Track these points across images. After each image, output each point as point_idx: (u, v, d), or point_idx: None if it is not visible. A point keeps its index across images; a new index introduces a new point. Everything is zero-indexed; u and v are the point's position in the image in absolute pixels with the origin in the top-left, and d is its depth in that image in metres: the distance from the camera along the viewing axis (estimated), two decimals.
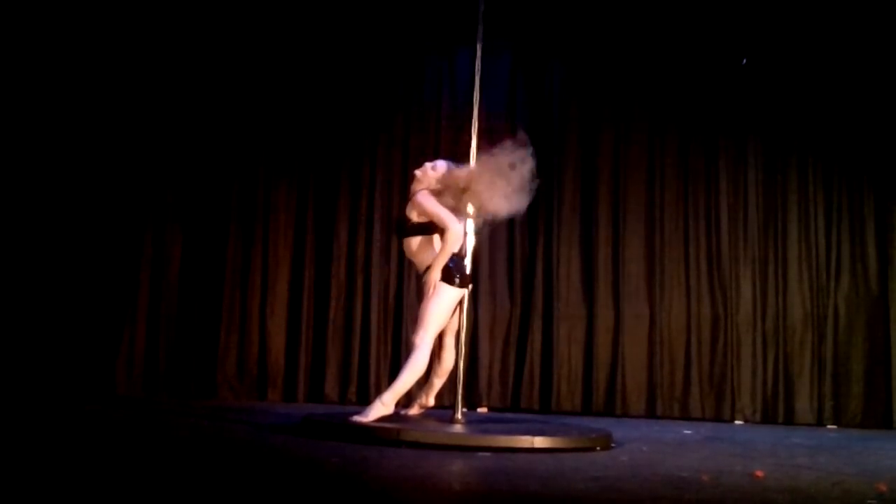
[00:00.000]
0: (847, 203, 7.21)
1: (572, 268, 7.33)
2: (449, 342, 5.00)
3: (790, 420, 6.93)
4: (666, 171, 7.37)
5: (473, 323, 7.07)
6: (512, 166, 4.84)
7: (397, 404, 4.79)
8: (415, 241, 4.94)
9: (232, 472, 3.39)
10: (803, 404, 6.97)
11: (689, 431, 5.91)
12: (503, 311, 7.32)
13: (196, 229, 7.32)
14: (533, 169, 4.91)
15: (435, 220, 4.83)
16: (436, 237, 4.90)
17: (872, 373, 6.95)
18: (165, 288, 7.22)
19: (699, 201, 7.34)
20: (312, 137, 7.44)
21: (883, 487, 3.47)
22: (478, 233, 5.08)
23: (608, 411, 7.00)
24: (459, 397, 4.85)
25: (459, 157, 5.14)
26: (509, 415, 6.68)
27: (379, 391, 4.94)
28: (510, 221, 7.35)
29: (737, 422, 6.92)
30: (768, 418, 6.97)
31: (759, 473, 3.74)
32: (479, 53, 5.16)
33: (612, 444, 4.71)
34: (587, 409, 7.04)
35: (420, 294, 5.04)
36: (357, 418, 4.60)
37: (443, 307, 4.79)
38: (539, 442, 4.36)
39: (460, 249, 4.89)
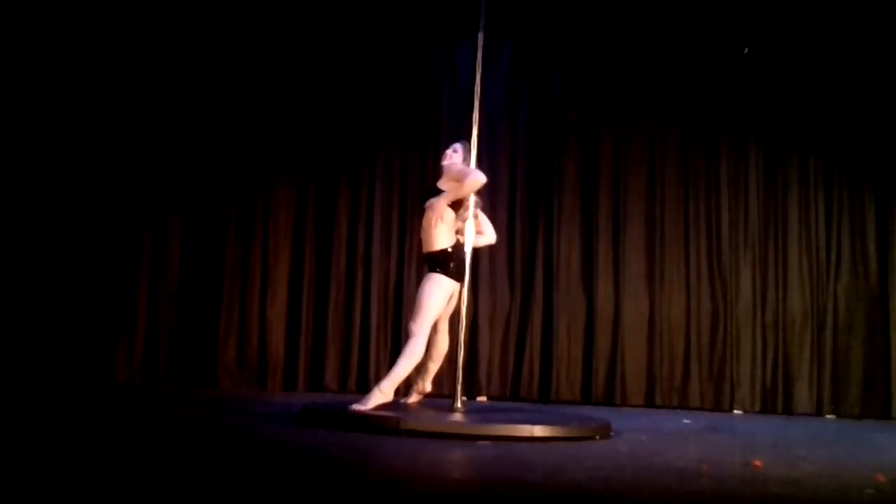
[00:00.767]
0: (847, 198, 7.21)
1: (572, 259, 7.33)
2: (443, 327, 5.02)
3: (789, 410, 6.95)
4: (667, 164, 7.36)
5: (473, 314, 7.07)
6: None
7: (396, 392, 4.80)
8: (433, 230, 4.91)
9: (232, 461, 3.40)
10: (802, 395, 6.98)
11: (688, 421, 5.92)
12: (503, 302, 7.32)
13: (196, 219, 7.32)
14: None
15: (459, 176, 4.83)
16: (448, 227, 4.89)
17: (871, 364, 6.95)
18: (165, 277, 7.22)
19: (700, 195, 7.33)
20: (313, 130, 7.44)
21: (881, 478, 3.48)
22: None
23: (608, 401, 7.01)
24: (459, 387, 4.86)
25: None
26: (509, 404, 6.69)
27: (378, 381, 4.95)
28: (511, 213, 7.39)
29: (736, 412, 6.93)
30: (767, 409, 6.98)
31: (758, 463, 3.75)
32: (480, 43, 5.14)
33: (612, 434, 4.72)
34: (587, 399, 7.06)
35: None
36: (356, 407, 4.61)
37: (438, 296, 4.80)
38: (538, 431, 4.37)
39: (460, 243, 4.88)
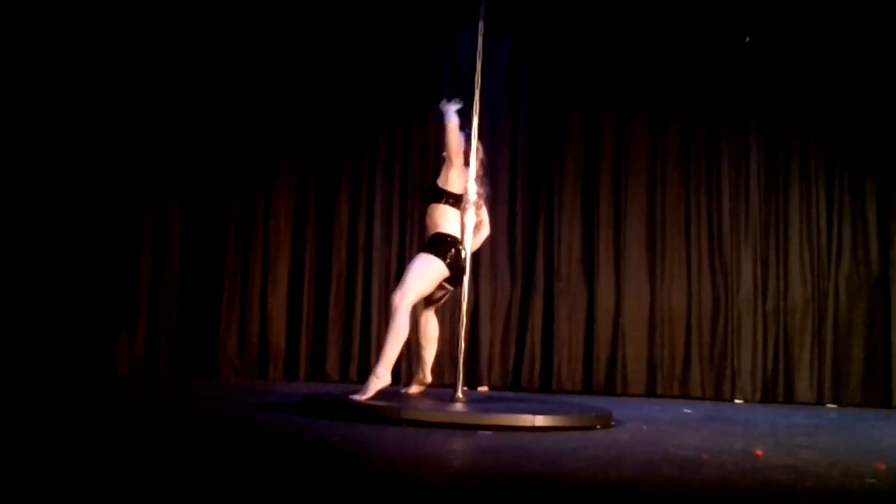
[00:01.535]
0: (848, 184, 7.19)
1: (573, 248, 7.33)
2: (430, 313, 5.04)
3: (790, 399, 6.95)
4: (668, 152, 7.35)
5: (474, 303, 7.08)
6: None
7: (398, 381, 4.80)
8: (438, 211, 4.89)
9: (232, 451, 3.40)
10: (803, 384, 6.99)
11: (689, 410, 5.93)
12: (504, 290, 7.32)
13: (197, 210, 7.31)
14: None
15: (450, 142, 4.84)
16: (457, 214, 4.87)
17: (872, 353, 6.96)
18: (166, 267, 7.21)
19: (701, 185, 7.32)
20: (313, 120, 7.42)
21: (882, 466, 3.48)
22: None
23: (608, 390, 7.02)
24: (460, 376, 4.86)
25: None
26: (510, 394, 6.70)
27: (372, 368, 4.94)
28: (512, 203, 7.38)
29: (737, 401, 6.94)
30: (768, 398, 6.99)
31: (759, 452, 3.75)
32: (480, 31, 5.12)
33: (613, 423, 4.72)
34: (588, 389, 7.07)
35: None
36: (356, 397, 4.61)
37: (426, 276, 4.76)
38: (540, 420, 4.37)
39: (461, 240, 4.85)
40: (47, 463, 2.91)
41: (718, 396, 7.00)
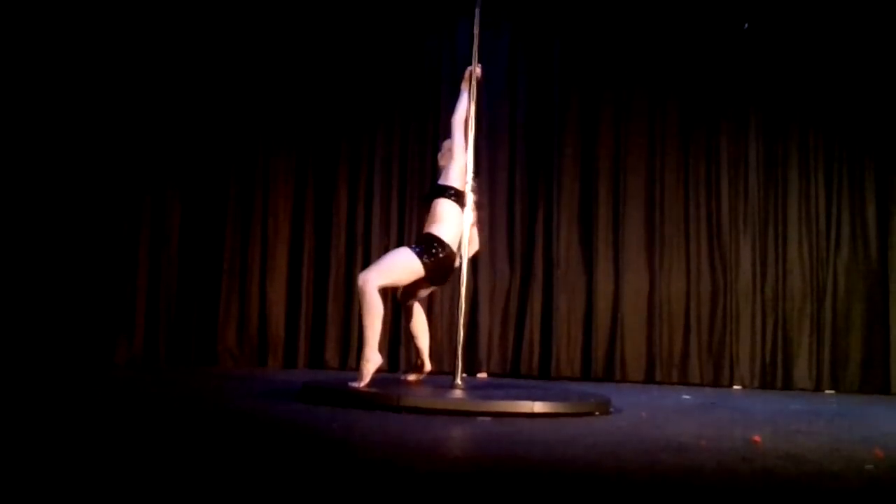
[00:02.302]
0: (847, 173, 7.20)
1: (572, 236, 7.32)
2: (416, 305, 5.08)
3: (788, 386, 6.97)
4: (666, 140, 7.35)
5: (473, 290, 7.09)
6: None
7: (400, 370, 4.81)
8: (440, 206, 4.87)
9: (232, 439, 3.41)
10: (802, 370, 7.00)
11: (687, 397, 5.93)
12: (503, 278, 7.33)
13: (196, 199, 7.31)
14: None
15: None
16: (458, 211, 4.85)
17: (871, 340, 6.97)
18: (165, 256, 7.22)
19: (699, 171, 7.32)
20: (312, 109, 7.41)
21: (880, 453, 3.48)
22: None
23: (607, 377, 7.04)
24: (459, 363, 4.86)
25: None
26: (509, 380, 6.71)
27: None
28: (511, 191, 7.38)
29: (735, 388, 6.95)
30: (767, 384, 7.01)
31: (757, 439, 3.75)
32: (476, 18, 5.10)
33: (611, 410, 4.73)
34: (587, 376, 7.08)
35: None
36: (354, 384, 4.62)
37: (398, 267, 4.72)
38: (538, 407, 4.37)
39: (447, 245, 4.81)
40: (48, 453, 2.91)
41: (717, 383, 7.02)
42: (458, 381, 4.80)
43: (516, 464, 3.01)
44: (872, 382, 6.90)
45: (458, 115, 4.93)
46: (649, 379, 7.06)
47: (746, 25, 7.17)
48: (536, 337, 7.22)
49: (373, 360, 4.67)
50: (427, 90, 7.43)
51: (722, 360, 7.07)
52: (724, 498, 2.60)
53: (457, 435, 3.68)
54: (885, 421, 4.91)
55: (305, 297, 7.27)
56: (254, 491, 2.36)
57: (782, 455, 3.37)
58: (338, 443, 3.36)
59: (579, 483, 2.73)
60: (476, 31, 5.05)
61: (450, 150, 4.94)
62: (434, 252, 4.74)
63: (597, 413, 4.56)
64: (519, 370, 7.15)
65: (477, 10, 5.07)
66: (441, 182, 4.93)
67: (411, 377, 5.16)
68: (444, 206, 4.85)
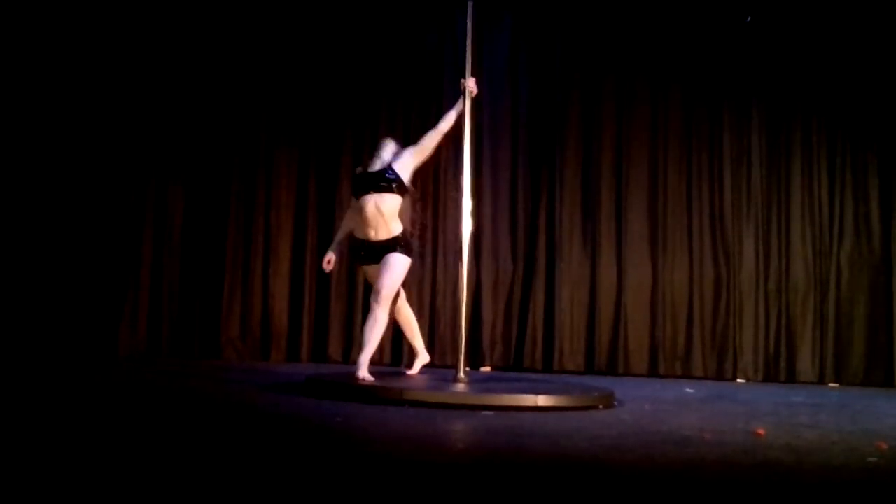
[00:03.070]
0: (850, 163, 7.17)
1: (575, 228, 7.32)
2: (402, 301, 5.18)
3: (792, 379, 6.96)
4: (669, 131, 7.33)
5: (476, 284, 7.09)
6: None
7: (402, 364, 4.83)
8: (395, 203, 5.04)
9: (236, 432, 3.41)
10: (805, 363, 7.00)
11: (691, 390, 5.94)
12: (506, 271, 7.32)
13: (199, 190, 7.31)
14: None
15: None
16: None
17: (874, 332, 6.96)
18: (168, 249, 7.22)
19: (702, 162, 7.31)
20: (314, 102, 7.40)
21: (883, 446, 3.49)
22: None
23: (611, 370, 7.03)
24: (462, 357, 4.87)
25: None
26: (512, 374, 6.71)
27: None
28: (513, 182, 7.37)
29: (738, 380, 6.94)
30: (770, 377, 7.00)
31: (761, 431, 3.76)
32: (469, 11, 5.13)
33: (615, 403, 4.74)
34: (590, 369, 7.08)
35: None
36: (359, 374, 4.72)
37: (403, 274, 5.01)
38: (542, 401, 4.38)
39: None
40: (53, 445, 2.92)
41: (720, 376, 7.01)
42: (462, 374, 4.82)
43: (520, 457, 3.02)
44: (876, 375, 6.89)
45: (444, 125, 5.10)
46: (653, 372, 7.05)
47: (749, 18, 7.14)
48: (539, 330, 7.21)
49: (364, 367, 4.77)
50: (429, 82, 7.40)
51: (725, 352, 7.06)
52: (726, 491, 2.61)
53: (460, 428, 3.69)
54: (888, 413, 4.91)
55: (308, 290, 7.26)
56: (258, 483, 2.37)
57: (785, 448, 3.38)
58: (341, 436, 3.37)
59: (583, 476, 2.73)
60: (469, 33, 5.10)
61: (421, 147, 5.08)
62: (411, 247, 5.07)
63: (600, 406, 4.57)
64: (522, 363, 7.14)
65: (470, 5, 5.08)
66: (401, 174, 5.00)
67: (413, 370, 5.22)
68: (397, 203, 5.01)
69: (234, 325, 7.21)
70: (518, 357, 7.19)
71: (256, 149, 7.36)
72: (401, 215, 5.02)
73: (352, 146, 7.37)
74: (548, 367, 7.09)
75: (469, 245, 5.10)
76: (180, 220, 7.28)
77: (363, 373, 4.72)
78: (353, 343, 7.14)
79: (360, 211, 4.99)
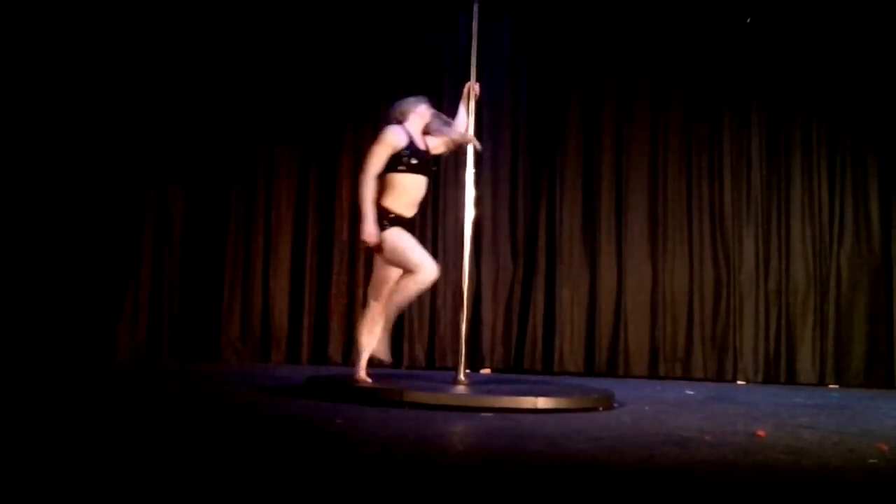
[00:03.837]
0: (850, 164, 7.17)
1: (575, 228, 7.31)
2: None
3: (792, 380, 6.96)
4: (669, 131, 7.32)
5: (476, 285, 7.09)
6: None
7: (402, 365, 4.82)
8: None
9: (236, 433, 3.41)
10: (805, 364, 6.99)
11: (691, 392, 5.93)
12: (506, 271, 7.32)
13: (198, 191, 7.30)
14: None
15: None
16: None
17: (874, 333, 6.96)
18: (168, 250, 7.21)
19: (702, 162, 7.30)
20: (314, 100, 7.39)
21: (884, 447, 3.49)
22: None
23: (611, 372, 7.03)
24: (462, 358, 4.87)
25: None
26: (512, 376, 6.71)
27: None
28: (513, 182, 7.37)
29: (739, 382, 6.94)
30: (770, 378, 7.00)
31: (761, 433, 3.76)
32: (476, 15, 5.13)
33: (615, 405, 4.73)
34: (590, 370, 7.07)
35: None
36: (358, 374, 4.70)
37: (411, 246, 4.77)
38: (542, 402, 4.38)
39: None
40: (52, 447, 2.92)
41: (721, 378, 7.00)
42: (462, 376, 4.81)
43: (520, 459, 3.01)
44: (876, 376, 6.88)
45: (461, 126, 5.14)
46: (653, 373, 7.05)
47: (749, 20, 7.14)
48: (539, 331, 7.21)
49: (363, 368, 4.76)
50: (429, 80, 7.40)
51: (725, 353, 7.06)
52: (726, 492, 2.60)
53: (460, 430, 3.69)
54: (888, 415, 4.90)
55: (308, 290, 7.25)
56: (258, 485, 2.37)
57: (786, 449, 3.37)
58: (341, 438, 3.36)
59: (583, 477, 2.73)
60: (475, 35, 5.11)
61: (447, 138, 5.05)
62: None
63: (600, 408, 4.57)
64: (522, 365, 7.14)
65: (476, 6, 5.08)
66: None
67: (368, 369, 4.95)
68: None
69: (234, 325, 7.20)
70: (518, 358, 7.19)
71: (256, 149, 7.36)
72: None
73: (352, 146, 7.37)
74: (548, 369, 7.08)
75: (469, 246, 5.09)
76: (180, 220, 7.27)
77: (362, 374, 4.71)
78: (353, 344, 7.13)
79: (415, 189, 4.75)
